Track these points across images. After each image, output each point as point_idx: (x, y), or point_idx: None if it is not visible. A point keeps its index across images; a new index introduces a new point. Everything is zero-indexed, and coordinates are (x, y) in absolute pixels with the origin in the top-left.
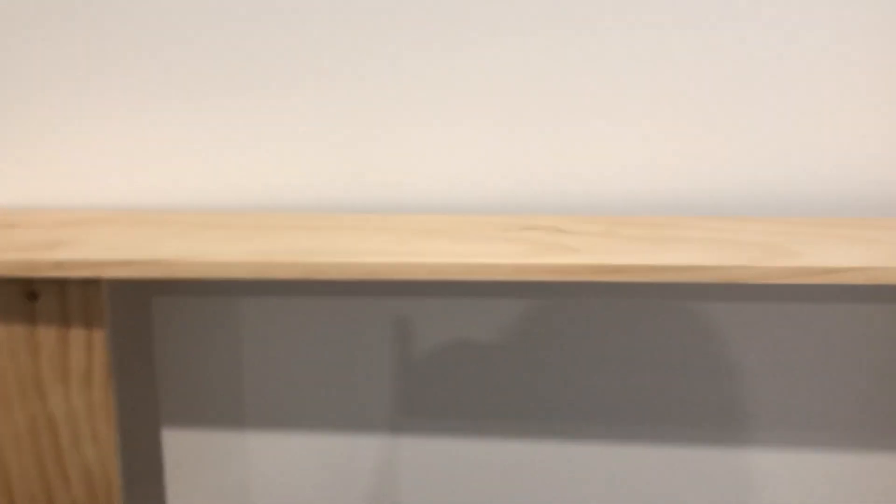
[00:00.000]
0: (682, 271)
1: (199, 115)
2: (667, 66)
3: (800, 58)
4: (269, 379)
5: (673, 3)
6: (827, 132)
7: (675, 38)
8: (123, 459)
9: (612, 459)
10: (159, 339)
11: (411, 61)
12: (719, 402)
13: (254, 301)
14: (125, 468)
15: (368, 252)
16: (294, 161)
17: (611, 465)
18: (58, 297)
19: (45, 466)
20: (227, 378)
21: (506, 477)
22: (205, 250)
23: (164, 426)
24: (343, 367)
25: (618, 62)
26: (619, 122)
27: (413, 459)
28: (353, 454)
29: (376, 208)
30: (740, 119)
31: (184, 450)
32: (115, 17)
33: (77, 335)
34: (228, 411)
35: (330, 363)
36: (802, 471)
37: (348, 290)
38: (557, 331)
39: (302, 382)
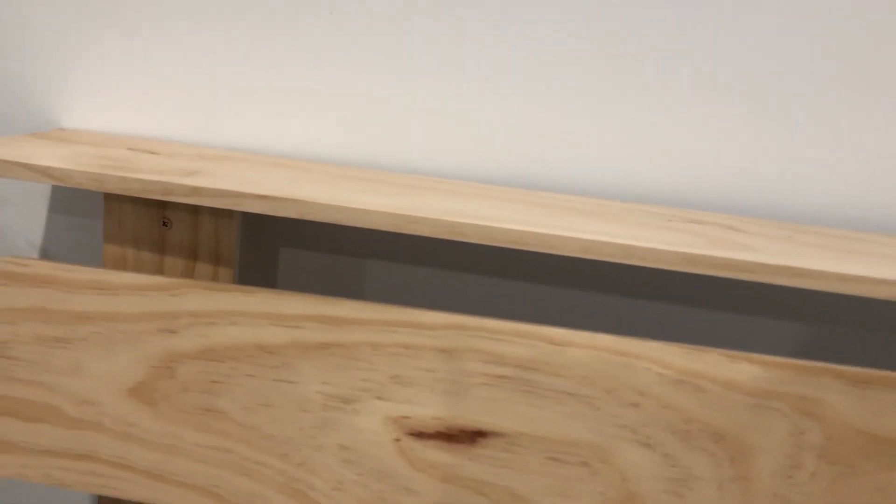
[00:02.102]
0: (876, 285)
1: (345, 69)
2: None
3: None
4: None
5: None
6: None
7: None
8: None
9: None
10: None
11: (583, 25)
12: None
13: (380, 265)
14: None
15: (515, 221)
16: (436, 128)
17: None
18: (190, 227)
19: None
20: None
21: None
22: (343, 196)
23: None
24: None
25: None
26: (816, 115)
27: None
28: None
29: (512, 184)
30: None
31: None
32: None
33: (204, 269)
34: None
35: None
36: None
37: (478, 267)
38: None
39: None
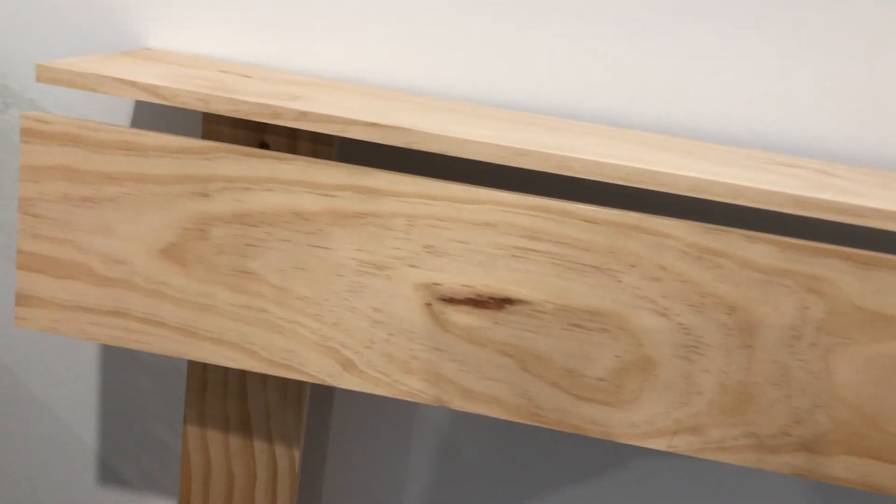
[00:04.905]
0: None
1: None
2: None
3: None
4: None
5: None
6: None
7: None
8: None
9: None
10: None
11: None
12: None
13: None
14: None
15: (624, 157)
16: (528, 63)
17: None
18: (288, 152)
19: None
20: None
21: None
22: (448, 128)
23: None
24: None
25: None
26: None
27: None
28: None
29: (600, 122)
30: None
31: None
32: None
33: None
34: None
35: None
36: None
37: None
38: None
39: None
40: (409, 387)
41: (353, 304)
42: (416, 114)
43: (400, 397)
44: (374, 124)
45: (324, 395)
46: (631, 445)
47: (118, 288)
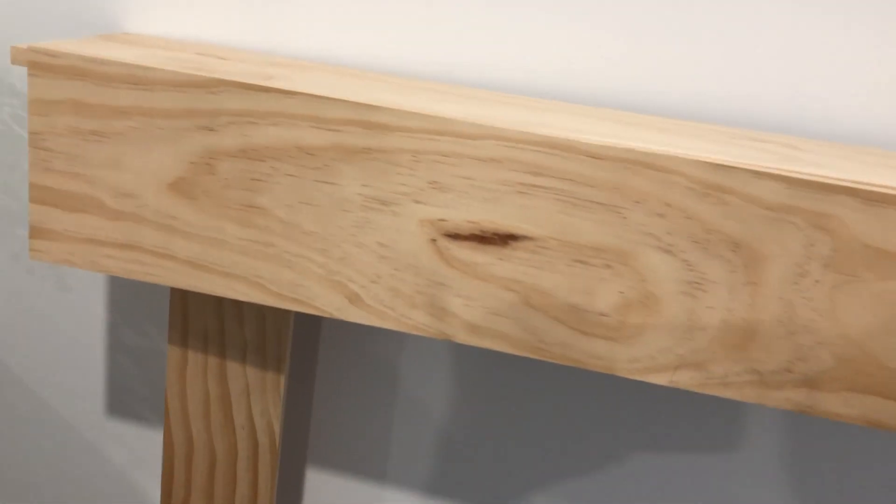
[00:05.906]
0: None
1: None
2: None
3: None
4: None
5: None
6: None
7: None
8: None
9: None
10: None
11: None
12: None
13: None
14: None
15: (596, 134)
16: (495, 42)
17: None
18: None
19: None
20: None
21: None
22: (428, 107)
23: None
24: None
25: None
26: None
27: None
28: None
29: (572, 101)
30: None
31: None
32: None
33: None
34: None
35: None
36: None
37: None
38: None
39: None
40: (414, 321)
41: (359, 239)
42: (393, 93)
43: (405, 331)
44: (350, 102)
45: (305, 371)
46: (624, 435)
47: (129, 221)
